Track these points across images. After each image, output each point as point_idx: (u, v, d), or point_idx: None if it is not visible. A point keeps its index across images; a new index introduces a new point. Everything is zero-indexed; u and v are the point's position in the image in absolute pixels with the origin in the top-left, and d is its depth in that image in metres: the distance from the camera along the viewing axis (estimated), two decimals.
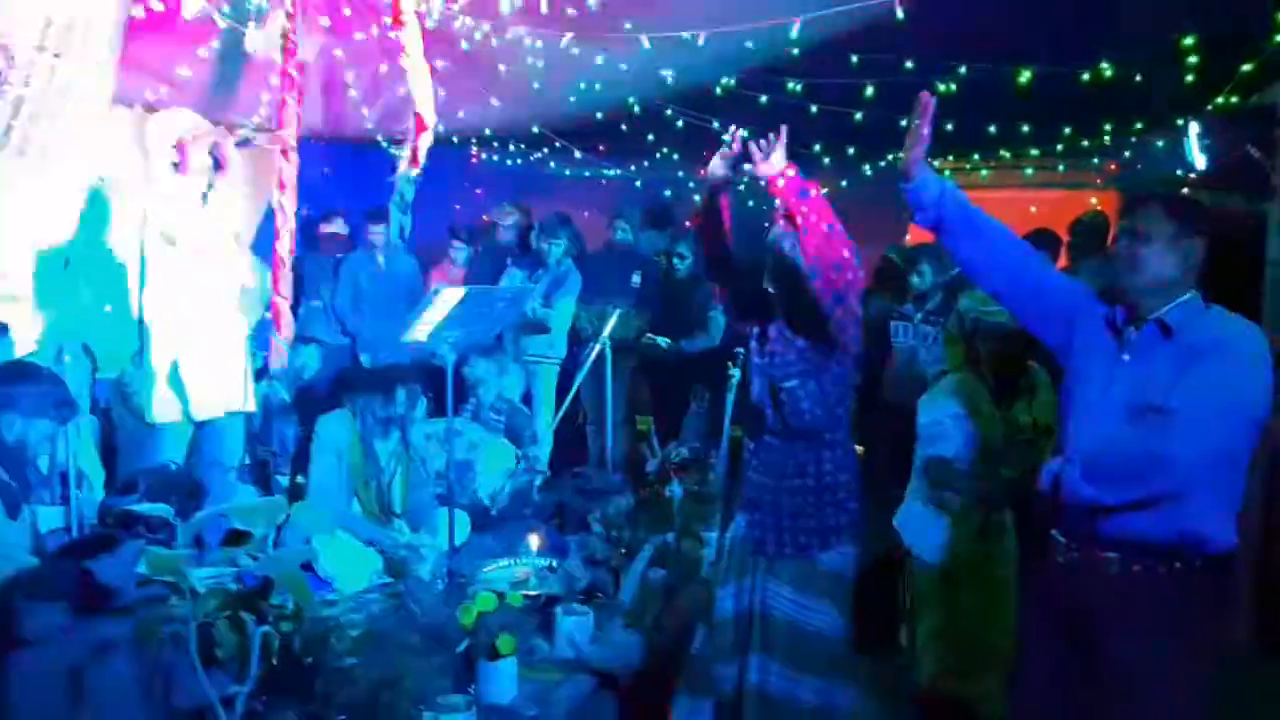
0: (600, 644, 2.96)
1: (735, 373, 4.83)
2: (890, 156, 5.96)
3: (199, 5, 4.00)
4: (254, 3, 4.64)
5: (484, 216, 6.60)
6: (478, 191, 7.57)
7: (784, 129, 2.56)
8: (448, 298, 3.45)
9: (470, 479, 4.46)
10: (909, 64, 4.63)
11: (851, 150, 6.56)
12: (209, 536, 2.69)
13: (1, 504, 2.54)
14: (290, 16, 4.41)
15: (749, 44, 4.90)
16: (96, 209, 4.23)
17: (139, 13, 3.87)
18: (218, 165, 4.03)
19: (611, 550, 3.54)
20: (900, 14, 3.77)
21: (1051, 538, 2.22)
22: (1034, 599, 2.37)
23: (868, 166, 6.88)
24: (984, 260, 2.30)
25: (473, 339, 4.03)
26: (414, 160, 4.40)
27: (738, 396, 4.79)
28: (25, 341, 4.03)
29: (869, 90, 5.02)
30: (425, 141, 4.31)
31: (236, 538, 2.78)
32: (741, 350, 4.41)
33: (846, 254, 2.61)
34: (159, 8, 4.19)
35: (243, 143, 4.12)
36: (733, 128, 2.67)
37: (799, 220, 2.58)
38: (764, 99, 5.35)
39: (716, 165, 2.69)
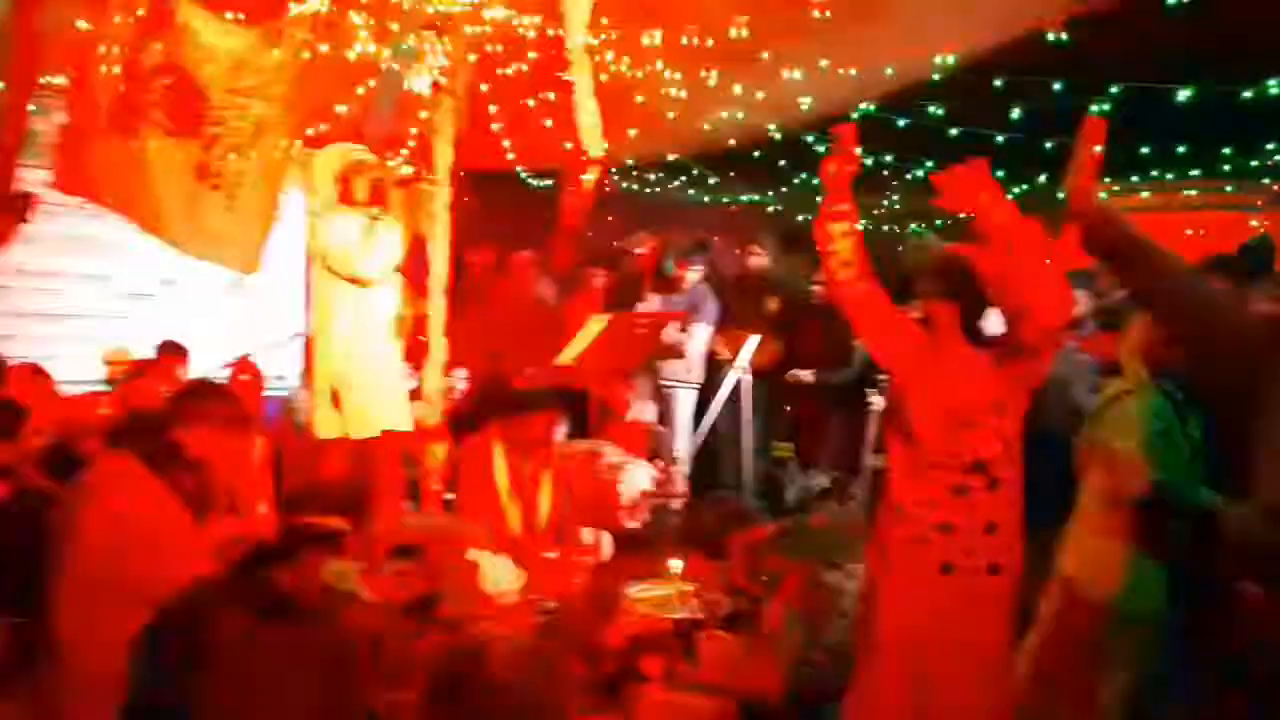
0: (744, 672, 2.96)
1: (876, 399, 4.78)
2: (1037, 179, 5.79)
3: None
4: (411, 43, 4.90)
5: (617, 244, 6.73)
6: (610, 219, 7.72)
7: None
8: (595, 324, 3.55)
9: (610, 499, 4.54)
10: (1057, 85, 4.52)
11: (999, 174, 6.38)
12: (378, 549, 2.84)
13: (190, 516, 2.75)
14: (446, 54, 4.63)
15: (889, 70, 4.88)
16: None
17: (306, 54, 4.15)
18: (379, 199, 4.26)
19: (753, 577, 3.53)
20: (1053, 37, 3.67)
21: (1238, 588, 2.08)
22: (1207, 654, 2.22)
23: (1014, 190, 6.69)
24: (1159, 294, 2.20)
25: (615, 364, 4.12)
26: (580, 194, 4.53)
27: (879, 424, 4.74)
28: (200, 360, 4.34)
29: (1015, 113, 4.92)
30: (591, 176, 4.44)
31: (404, 551, 2.93)
32: (882, 377, 4.36)
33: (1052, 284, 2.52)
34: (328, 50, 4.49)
35: (403, 180, 4.34)
36: None
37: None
38: (902, 123, 5.30)
39: None
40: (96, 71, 3.56)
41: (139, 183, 3.76)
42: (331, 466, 4.06)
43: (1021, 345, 2.49)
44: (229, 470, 3.16)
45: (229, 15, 4.07)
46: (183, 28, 3.76)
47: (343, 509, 2.74)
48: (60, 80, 4.13)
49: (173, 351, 4.88)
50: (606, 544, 4.02)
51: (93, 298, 5.94)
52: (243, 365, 4.69)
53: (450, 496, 4.31)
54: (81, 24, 3.89)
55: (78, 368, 5.44)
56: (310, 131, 5.78)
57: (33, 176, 3.49)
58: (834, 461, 5.06)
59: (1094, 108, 4.39)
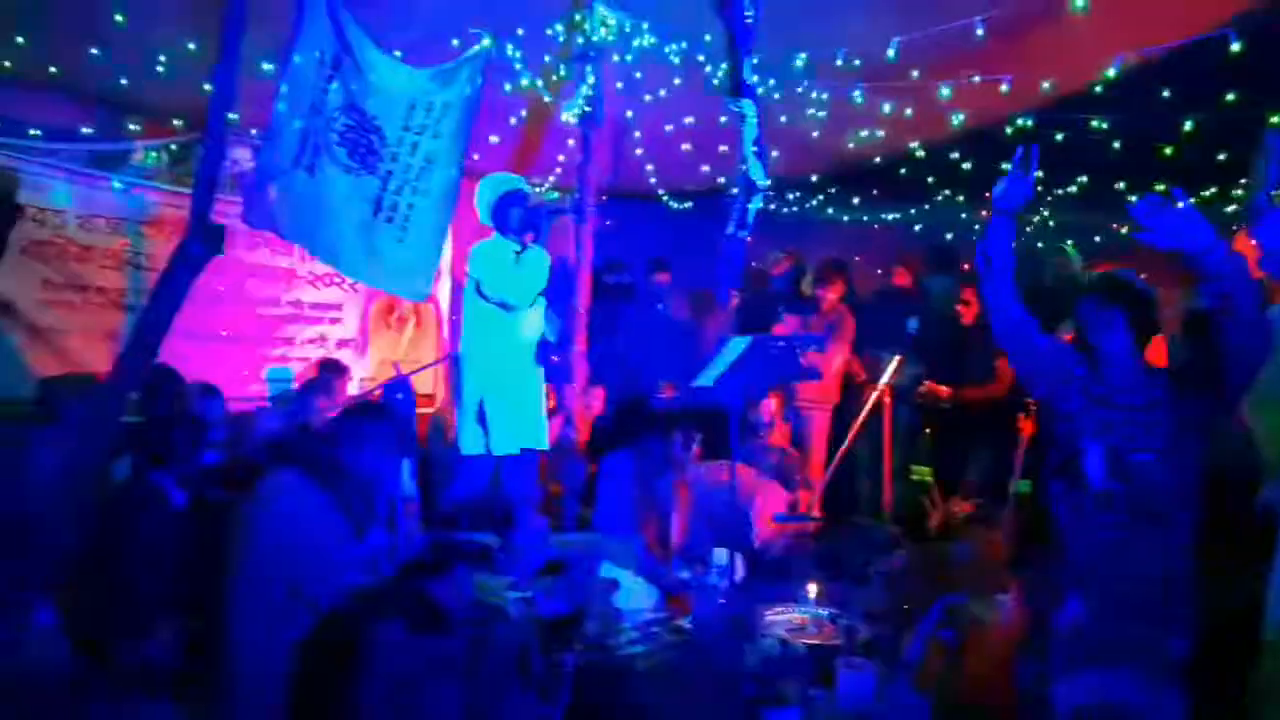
0: (883, 701, 2.91)
1: (1025, 424, 4.60)
2: (1205, 193, 5.44)
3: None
4: (561, 74, 5.07)
5: (754, 263, 6.72)
6: (748, 239, 7.71)
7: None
8: (734, 345, 3.57)
9: (744, 521, 4.54)
10: (1230, 95, 4.25)
11: (1160, 187, 6.04)
12: (528, 565, 2.94)
13: (352, 529, 2.92)
14: (592, 85, 4.77)
15: (1046, 84, 4.71)
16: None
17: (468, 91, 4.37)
18: (532, 229, 4.42)
19: (892, 606, 3.47)
20: (1237, 46, 3.47)
21: None
22: None
23: (1180, 205, 6.29)
24: None
25: (755, 385, 4.13)
26: (741, 222, 4.60)
27: (1027, 451, 4.55)
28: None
29: (1188, 125, 4.66)
30: (754, 205, 4.51)
31: (553, 567, 3.02)
32: (1031, 400, 4.19)
33: None
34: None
35: (555, 212, 4.50)
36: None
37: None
38: (1059, 136, 5.09)
39: None
40: (284, 111, 3.84)
41: (320, 217, 4.04)
42: (476, 483, 4.22)
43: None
44: (388, 486, 3.33)
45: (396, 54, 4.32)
46: (361, 68, 4.04)
47: (491, 525, 2.86)
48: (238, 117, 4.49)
49: (334, 371, 5.18)
50: (741, 566, 4.01)
51: (259, 320, 6.38)
52: (397, 384, 4.94)
53: (587, 514, 4.41)
54: (266, 65, 4.21)
55: (246, 386, 5.85)
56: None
57: (223, 210, 3.80)
58: (978, 488, 4.89)
59: (1276, 118, 4.12)
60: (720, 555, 3.81)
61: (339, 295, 6.59)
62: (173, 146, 5.73)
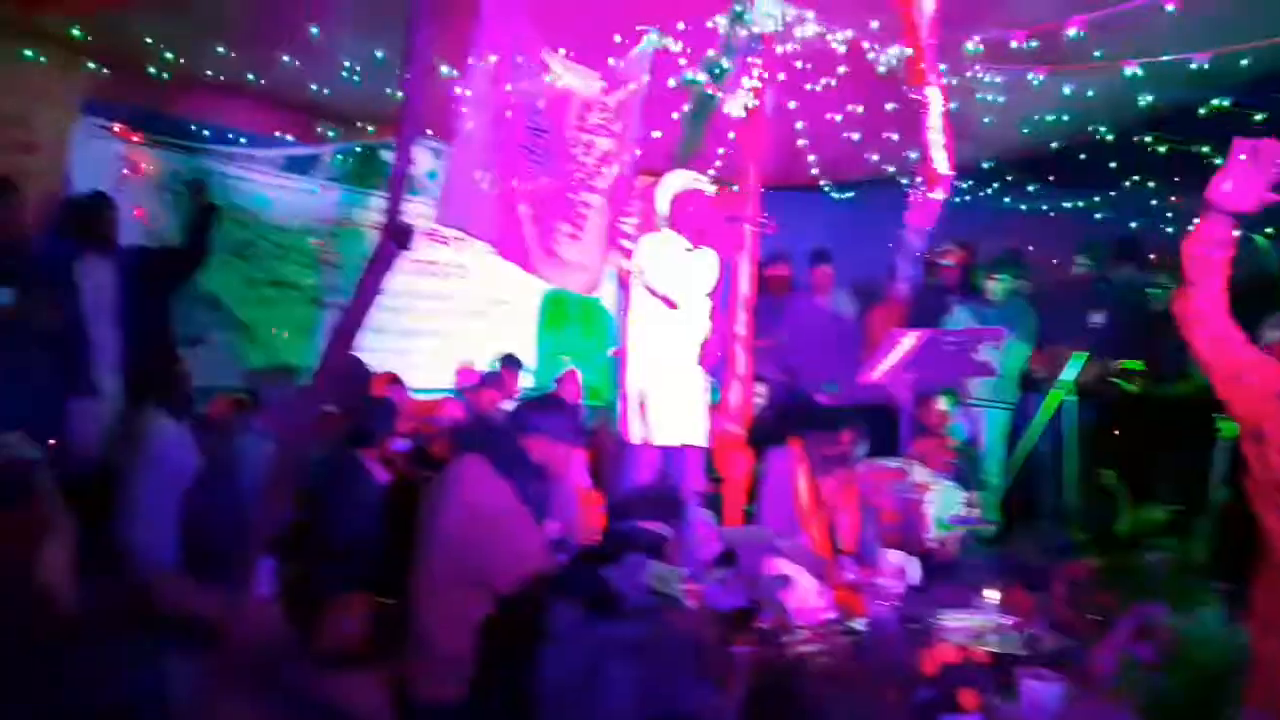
0: (1072, 715, 2.76)
1: (1225, 426, 4.27)
2: None
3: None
4: (725, 66, 5.06)
5: (922, 254, 6.51)
6: (928, 229, 7.48)
7: None
8: (905, 340, 3.48)
9: (917, 521, 4.41)
10: None
11: None
12: (699, 556, 2.97)
13: (532, 515, 3.03)
14: (758, 77, 4.74)
15: (1244, 61, 4.34)
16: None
17: (633, 87, 4.45)
18: (704, 226, 4.43)
19: (1079, 616, 3.28)
20: None
21: None
22: None
23: None
24: None
25: (927, 381, 4.00)
26: (926, 217, 4.47)
27: (1228, 450, 4.22)
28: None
29: None
30: (937, 198, 4.37)
31: (723, 560, 3.03)
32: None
33: None
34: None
35: (732, 218, 4.48)
36: None
37: None
38: (1259, 117, 4.69)
39: None
40: (466, 113, 4.02)
41: (509, 218, 4.22)
42: (643, 474, 4.28)
43: None
44: (564, 475, 3.43)
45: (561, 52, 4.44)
46: (547, 72, 4.18)
47: (663, 515, 2.90)
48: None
49: (511, 364, 5.37)
50: (914, 568, 3.90)
51: (438, 316, 6.69)
52: (569, 377, 5.08)
53: (750, 510, 4.39)
54: (445, 70, 4.40)
55: (427, 377, 6.16)
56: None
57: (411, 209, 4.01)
58: (1172, 493, 4.57)
59: None
60: (892, 557, 3.72)
61: (508, 291, 6.85)
62: (359, 149, 6.10)
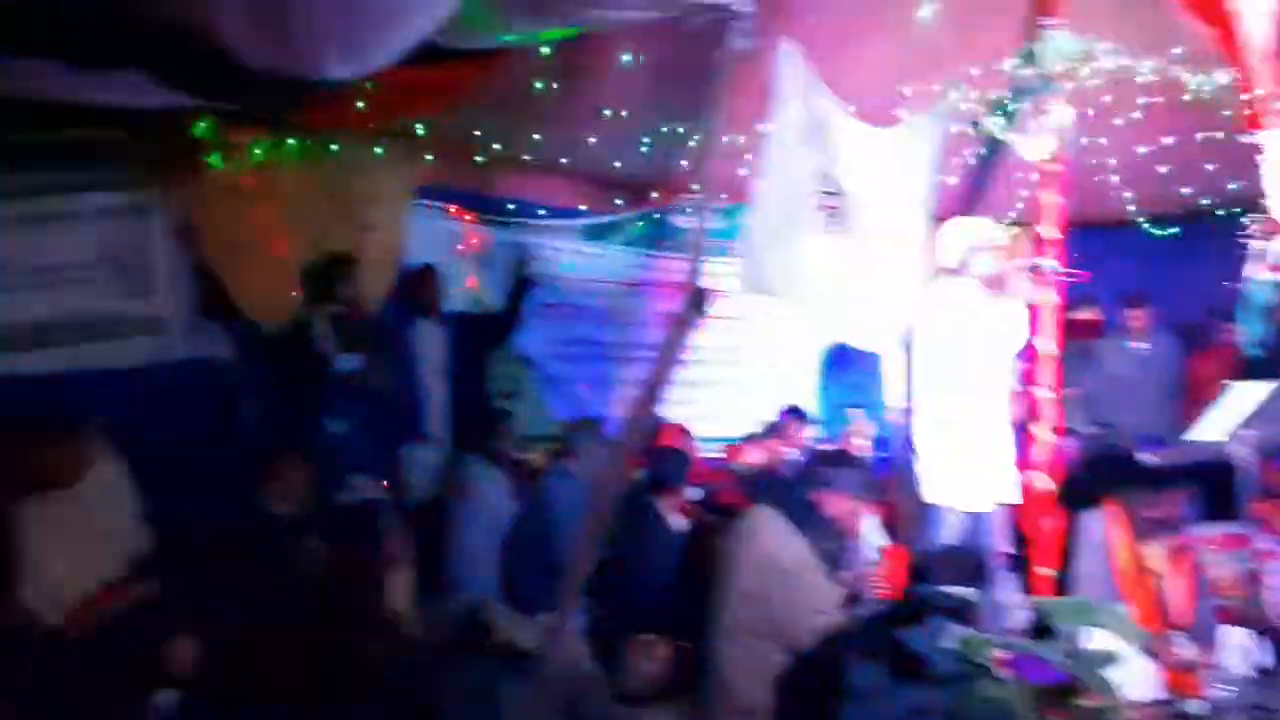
0: None
1: None
2: None
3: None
4: (1014, 107, 4.86)
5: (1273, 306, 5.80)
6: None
7: None
8: (1247, 391, 3.12)
9: (1262, 595, 3.90)
10: None
11: None
12: (1009, 624, 2.81)
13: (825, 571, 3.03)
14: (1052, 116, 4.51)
15: None
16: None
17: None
18: (996, 279, 4.24)
19: None
20: None
21: None
22: None
23: None
24: None
25: (1276, 439, 3.56)
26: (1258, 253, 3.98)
27: None
28: None
29: None
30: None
31: (1038, 630, 2.85)
32: None
33: None
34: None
35: (1032, 269, 4.24)
36: None
37: None
38: None
39: None
40: (764, 179, 4.16)
41: (805, 275, 4.33)
42: (947, 534, 4.12)
43: None
44: (856, 531, 3.41)
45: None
46: (831, 133, 4.27)
47: (967, 579, 2.80)
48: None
49: (796, 415, 5.40)
50: (1260, 648, 3.44)
51: (718, 366, 6.87)
52: (858, 430, 5.02)
53: (1062, 576, 4.07)
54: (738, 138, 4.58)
55: (711, 428, 6.33)
56: None
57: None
58: None
59: None
60: (1233, 634, 3.32)
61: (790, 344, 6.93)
62: (650, 215, 6.48)
